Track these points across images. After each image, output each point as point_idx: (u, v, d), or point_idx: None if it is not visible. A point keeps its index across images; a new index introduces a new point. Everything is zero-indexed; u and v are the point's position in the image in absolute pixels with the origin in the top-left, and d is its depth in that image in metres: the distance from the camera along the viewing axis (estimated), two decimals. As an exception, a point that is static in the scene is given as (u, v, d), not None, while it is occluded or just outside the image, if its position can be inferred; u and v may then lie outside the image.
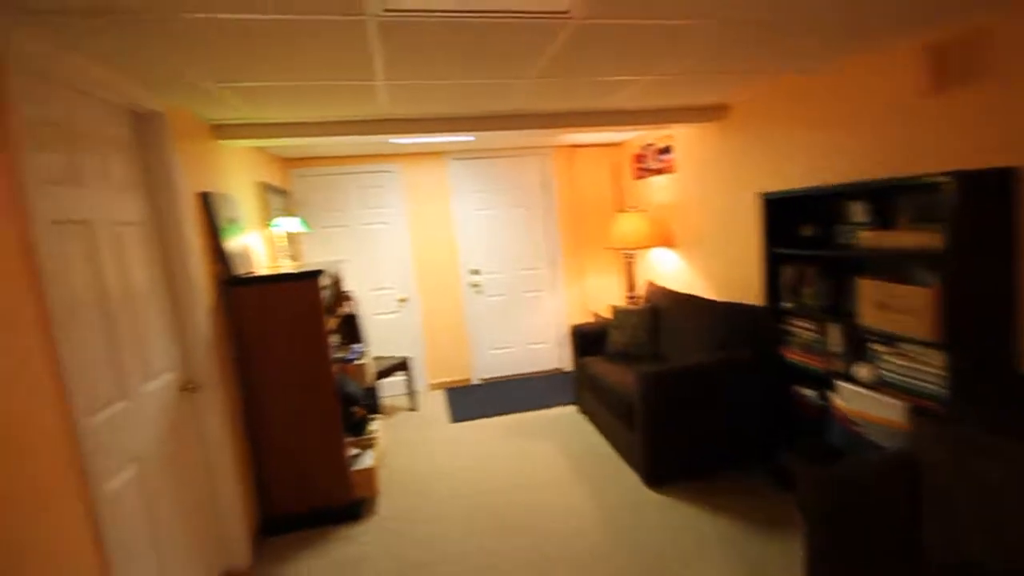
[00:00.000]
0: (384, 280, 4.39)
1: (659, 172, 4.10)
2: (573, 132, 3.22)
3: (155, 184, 2.06)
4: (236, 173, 2.91)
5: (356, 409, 2.84)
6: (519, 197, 4.58)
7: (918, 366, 1.94)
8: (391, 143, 3.64)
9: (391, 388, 4.48)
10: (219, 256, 2.42)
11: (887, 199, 2.16)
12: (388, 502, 2.79)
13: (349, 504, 2.64)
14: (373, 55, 1.77)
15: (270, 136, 2.72)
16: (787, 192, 2.44)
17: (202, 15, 1.34)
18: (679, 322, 3.28)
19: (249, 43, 1.57)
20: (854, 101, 2.33)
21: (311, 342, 2.53)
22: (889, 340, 2.06)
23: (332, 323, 2.84)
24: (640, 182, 4.43)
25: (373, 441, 3.01)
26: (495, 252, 4.58)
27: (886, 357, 2.07)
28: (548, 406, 3.98)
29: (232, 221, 2.61)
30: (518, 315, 4.70)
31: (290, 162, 4.14)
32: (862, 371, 2.18)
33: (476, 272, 4.56)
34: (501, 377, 4.73)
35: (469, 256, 4.53)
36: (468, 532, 2.46)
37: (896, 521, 1.56)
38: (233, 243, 2.55)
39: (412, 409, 4.12)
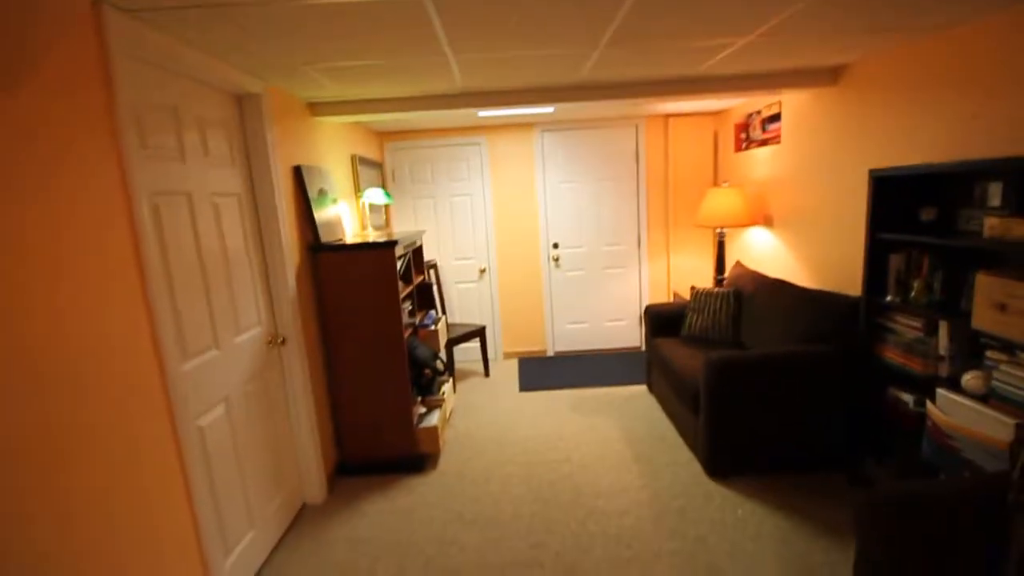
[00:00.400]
0: (466, 250, 4.55)
1: (763, 143, 3.71)
2: (661, 101, 3.02)
3: (252, 159, 2.32)
4: (330, 147, 3.16)
5: (425, 371, 3.03)
6: (607, 169, 4.43)
7: (1041, 382, 1.61)
8: (480, 116, 3.71)
9: (466, 354, 4.69)
10: (308, 224, 2.68)
11: (1027, 178, 1.77)
12: (449, 459, 2.97)
13: (413, 457, 2.87)
14: (436, 31, 1.81)
15: (359, 112, 2.91)
16: (903, 169, 2.10)
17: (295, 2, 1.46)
18: (764, 309, 3.02)
19: (331, 26, 1.69)
20: (997, 62, 1.91)
21: (384, 306, 2.73)
22: (1008, 347, 1.73)
23: (406, 290, 3.03)
24: (740, 155, 4.05)
25: (441, 402, 3.21)
26: (577, 226, 4.51)
27: (1003, 367, 1.75)
28: (619, 384, 3.91)
29: (323, 192, 2.86)
30: (597, 291, 4.62)
31: (386, 135, 4.38)
32: (970, 380, 1.87)
33: (556, 246, 4.54)
34: (577, 351, 4.73)
35: (551, 229, 4.52)
36: (517, 497, 2.56)
37: (974, 560, 1.35)
38: (323, 212, 2.81)
39: (485, 375, 4.28)
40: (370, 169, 3.97)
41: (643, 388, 3.83)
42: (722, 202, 3.71)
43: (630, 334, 4.70)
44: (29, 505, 1.12)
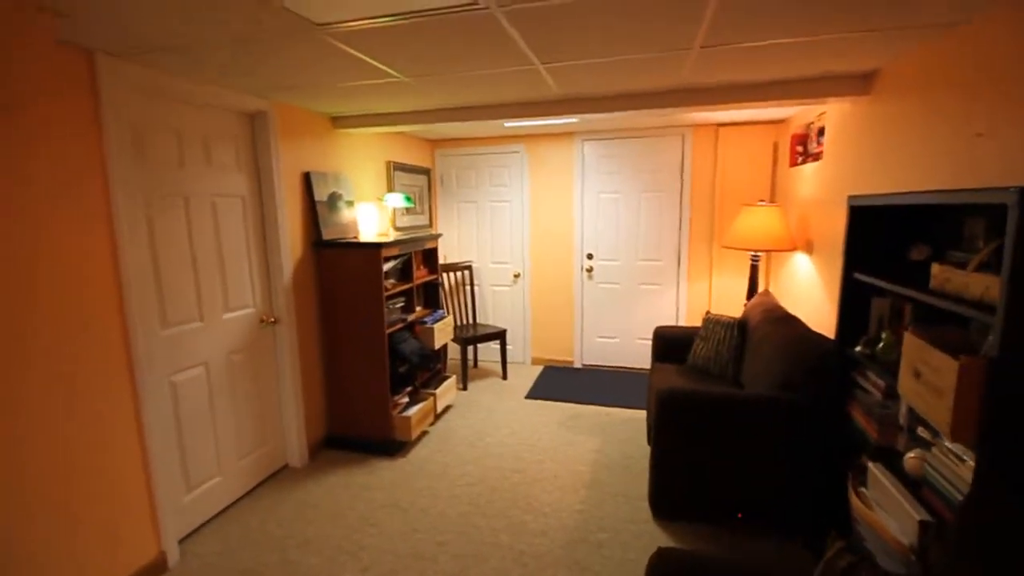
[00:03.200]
0: (503, 255, 4.69)
1: (815, 158, 3.27)
2: (706, 110, 2.78)
3: (260, 166, 2.75)
4: (355, 155, 3.54)
5: (403, 366, 3.26)
6: (649, 181, 4.23)
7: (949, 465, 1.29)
8: (506, 127, 3.83)
9: (492, 354, 4.83)
10: (312, 223, 3.07)
11: None
12: (421, 450, 3.17)
13: (388, 442, 3.12)
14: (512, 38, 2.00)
15: (378, 124, 3.21)
16: (880, 198, 1.76)
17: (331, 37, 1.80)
18: (761, 345, 2.69)
19: (303, 57, 1.99)
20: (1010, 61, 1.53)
21: (370, 301, 3.01)
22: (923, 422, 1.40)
23: (402, 287, 3.28)
24: (794, 170, 3.60)
25: (429, 396, 3.41)
26: (614, 238, 4.38)
27: (933, 448, 1.42)
28: (625, 406, 3.75)
29: (336, 195, 3.24)
30: (630, 306, 4.43)
31: (436, 143, 4.71)
32: (910, 459, 1.53)
33: (591, 256, 4.46)
34: (603, 366, 4.59)
35: (586, 239, 4.45)
36: (456, 496, 2.66)
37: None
38: (333, 214, 3.18)
39: (503, 377, 4.39)
40: (413, 174, 4.31)
41: (643, 414, 3.62)
42: (757, 222, 3.34)
43: (665, 356, 4.43)
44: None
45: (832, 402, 2.04)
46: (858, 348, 1.92)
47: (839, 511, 2.00)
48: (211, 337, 2.50)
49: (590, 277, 4.49)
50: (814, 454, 2.16)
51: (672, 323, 4.35)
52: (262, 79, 2.30)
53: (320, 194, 3.10)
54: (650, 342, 4.44)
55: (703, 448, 2.29)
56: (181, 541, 2.34)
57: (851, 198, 1.91)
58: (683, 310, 4.29)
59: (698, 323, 4.26)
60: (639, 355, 4.48)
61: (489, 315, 4.82)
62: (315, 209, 3.05)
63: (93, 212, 1.88)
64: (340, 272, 3.04)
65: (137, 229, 2.06)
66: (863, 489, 1.65)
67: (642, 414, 3.63)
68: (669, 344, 3.40)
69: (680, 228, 4.21)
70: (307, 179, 3.04)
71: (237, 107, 2.55)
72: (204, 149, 2.45)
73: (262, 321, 2.82)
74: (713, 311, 4.21)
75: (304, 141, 3.01)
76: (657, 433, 2.37)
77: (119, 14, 1.53)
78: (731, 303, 4.14)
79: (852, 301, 1.98)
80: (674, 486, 2.39)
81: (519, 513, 2.51)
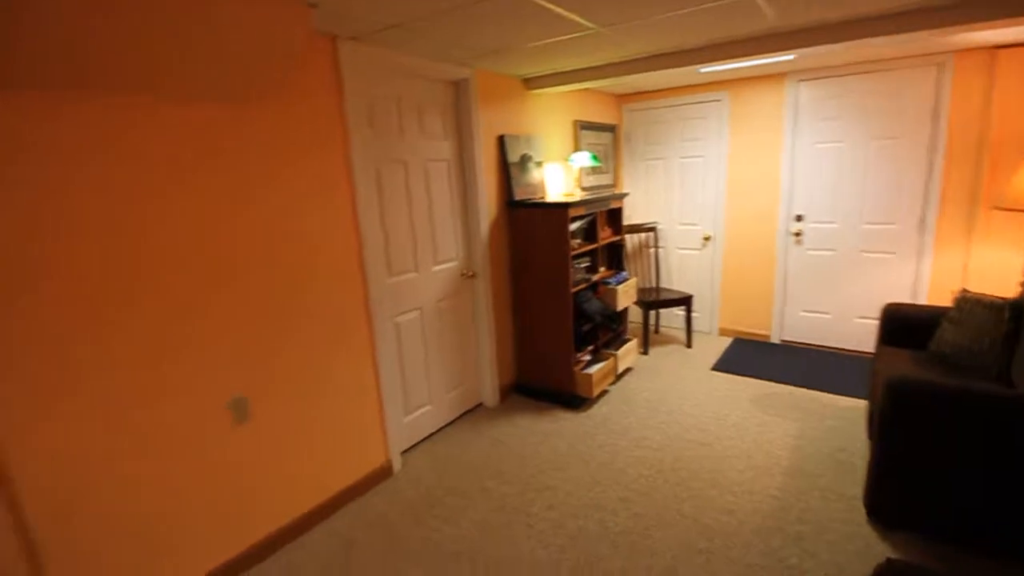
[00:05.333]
0: (692, 216, 4.36)
1: None
2: (1006, 25, 2.14)
3: (461, 132, 2.98)
4: (544, 116, 3.59)
5: (587, 325, 3.30)
6: (884, 126, 3.47)
7: None
8: (701, 72, 3.49)
9: (677, 321, 4.60)
10: (506, 184, 3.24)
11: None
12: (601, 407, 3.23)
13: (570, 395, 3.24)
14: None
15: (569, 82, 3.21)
16: None
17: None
18: (1054, 335, 2.07)
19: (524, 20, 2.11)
20: None
21: (557, 259, 3.10)
22: None
23: (586, 247, 3.30)
24: None
25: (611, 356, 3.43)
26: (831, 197, 3.74)
27: None
28: (834, 392, 3.26)
29: (526, 157, 3.36)
30: (849, 278, 3.78)
31: (623, 98, 4.52)
32: None
33: (800, 218, 3.88)
34: (807, 344, 4.04)
35: (794, 198, 3.88)
36: (637, 457, 2.66)
37: None
38: (524, 174, 3.32)
39: (687, 346, 4.17)
40: (599, 132, 4.23)
41: (862, 403, 3.10)
42: (1059, 174, 2.51)
43: (891, 338, 3.71)
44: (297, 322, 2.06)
45: None
46: None
47: None
48: (424, 286, 2.86)
49: (797, 242, 3.93)
50: None
51: (906, 300, 3.60)
52: (466, 48, 2.45)
53: (512, 156, 3.24)
54: (874, 321, 3.75)
55: (949, 453, 1.88)
56: (402, 453, 2.80)
57: None
58: (923, 286, 3.51)
59: (944, 303, 3.45)
60: (856, 335, 3.83)
61: (673, 279, 4.59)
62: (508, 171, 3.21)
63: (338, 179, 2.26)
64: (530, 231, 3.18)
65: (370, 190, 2.42)
66: None
67: (856, 403, 3.13)
68: (903, 326, 2.83)
69: (928, 185, 3.39)
70: (501, 142, 3.19)
71: (444, 76, 2.77)
72: (418, 117, 2.73)
73: (462, 275, 3.12)
74: (971, 290, 3.36)
75: (499, 105, 3.16)
76: (885, 428, 2.02)
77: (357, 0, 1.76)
78: (998, 281, 3.24)
79: None
80: (902, 490, 2.02)
81: (704, 487, 2.41)
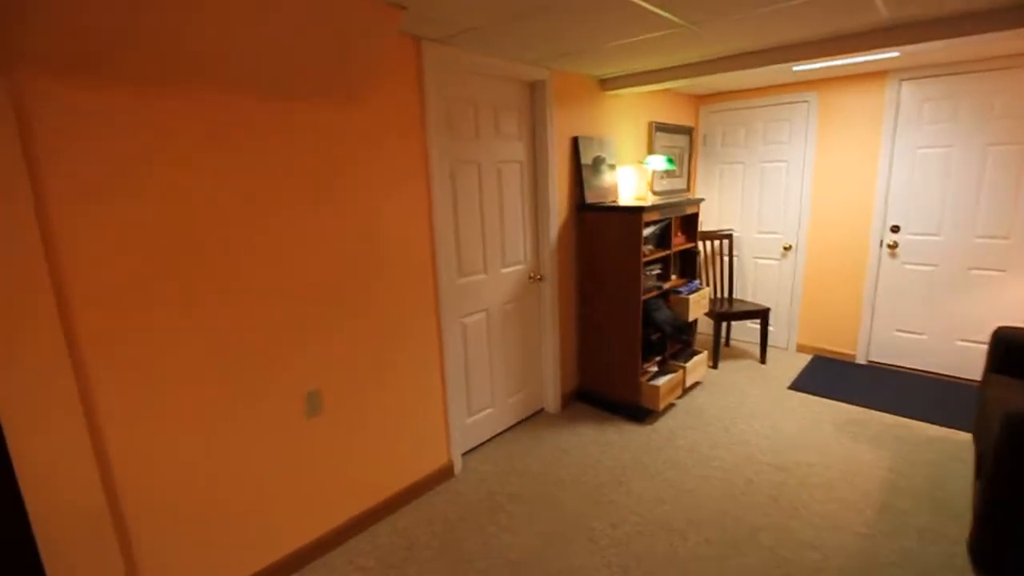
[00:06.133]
0: (772, 224, 4.11)
1: None
2: None
3: (536, 133, 2.94)
4: (618, 117, 3.49)
5: (656, 335, 3.17)
6: (1002, 130, 3.10)
7: None
8: (796, 71, 3.26)
9: (750, 335, 4.35)
10: (578, 186, 3.17)
11: None
12: (668, 422, 3.09)
13: (635, 407, 3.13)
14: None
15: (647, 83, 3.10)
16: None
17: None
18: None
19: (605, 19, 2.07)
20: None
21: (628, 266, 3.00)
22: None
23: (658, 254, 3.18)
24: None
25: (679, 368, 3.29)
26: (936, 206, 3.39)
27: None
28: (933, 421, 2.96)
29: (599, 159, 3.28)
30: (951, 296, 3.42)
31: (702, 99, 4.32)
32: None
33: (896, 229, 3.56)
34: (899, 366, 3.69)
35: (890, 207, 3.56)
36: (706, 477, 2.53)
37: None
38: (597, 177, 3.24)
39: (761, 361, 3.93)
40: (674, 134, 4.07)
41: (966, 436, 2.79)
42: None
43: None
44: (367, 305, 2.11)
45: None
46: None
47: None
48: (491, 288, 2.85)
49: (892, 255, 3.61)
50: None
51: (1017, 324, 3.21)
52: (545, 49, 2.41)
53: (586, 158, 3.17)
54: (977, 345, 3.38)
55: (1088, 505, 1.64)
56: (463, 455, 2.81)
57: None
58: (1044, 308, 3.12)
59: (1071, 328, 3.04)
60: (959, 360, 3.46)
61: (748, 291, 4.34)
62: (580, 173, 3.14)
63: (416, 179, 2.28)
64: (600, 235, 3.10)
65: (445, 191, 2.43)
66: None
67: (956, 434, 2.82)
68: (1016, 353, 2.51)
69: (1056, 194, 3.00)
70: (575, 143, 3.13)
71: (521, 77, 2.74)
72: (494, 118, 2.72)
73: (530, 278, 3.08)
74: (1105, 314, 2.94)
75: (574, 106, 3.09)
76: (1000, 468, 1.79)
77: (446, 3, 1.75)
78: None
79: None
80: (1015, 539, 1.79)
81: (782, 517, 2.24)
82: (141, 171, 1.52)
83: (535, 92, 2.89)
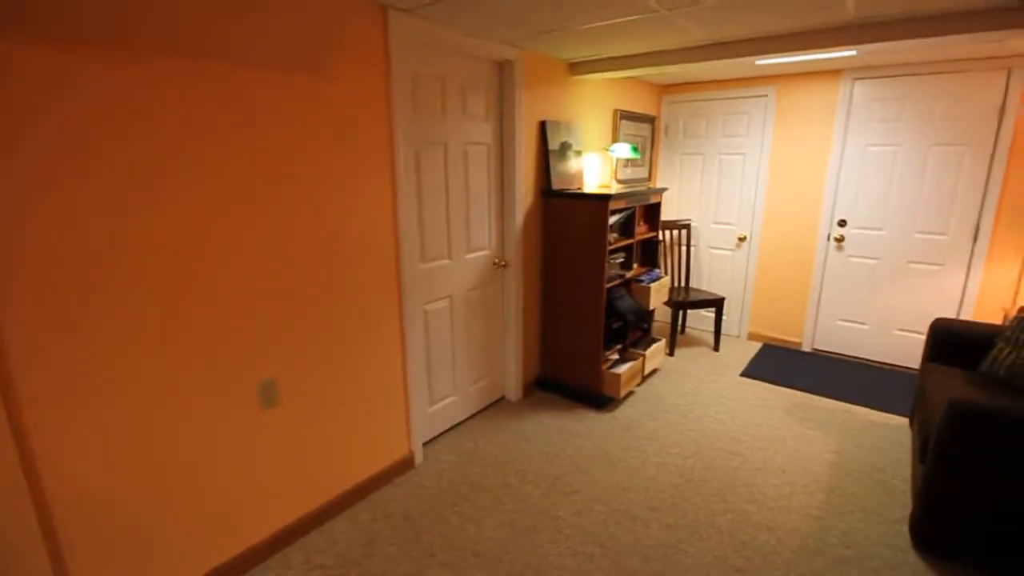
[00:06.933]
0: (728, 215, 4.21)
1: None
2: None
3: (503, 115, 2.85)
4: (586, 103, 3.45)
5: (617, 323, 3.19)
6: (945, 131, 3.29)
7: None
8: (758, 65, 3.31)
9: (703, 323, 4.47)
10: (544, 172, 3.12)
11: None
12: (627, 409, 3.13)
13: (596, 395, 3.15)
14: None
15: (618, 68, 3.05)
16: None
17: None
18: None
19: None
20: None
21: (593, 253, 2.98)
22: None
23: (622, 243, 3.18)
24: None
25: (639, 356, 3.32)
26: (880, 202, 3.57)
27: None
28: (874, 407, 3.14)
29: (566, 145, 3.23)
30: (892, 289, 3.62)
31: (664, 89, 4.34)
32: None
33: (843, 223, 3.72)
34: (841, 354, 3.90)
35: (839, 202, 3.72)
36: (665, 463, 2.57)
37: None
38: (562, 163, 3.19)
39: (714, 349, 4.05)
40: (638, 123, 4.08)
41: (901, 421, 2.98)
42: None
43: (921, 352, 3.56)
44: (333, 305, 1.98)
45: None
46: None
47: None
48: (455, 274, 2.76)
49: (839, 248, 3.78)
50: None
51: (951, 315, 3.45)
52: (517, 27, 2.31)
53: (553, 143, 3.11)
54: (915, 335, 3.60)
55: (1014, 484, 1.77)
56: (424, 445, 2.73)
57: None
58: (970, 301, 3.35)
59: (992, 319, 3.29)
60: (897, 349, 3.69)
61: (704, 280, 4.45)
62: (547, 158, 3.08)
63: (380, 158, 2.15)
64: (566, 222, 3.06)
65: (409, 172, 2.31)
66: None
67: (894, 419, 3.00)
68: (952, 343, 2.69)
69: (985, 193, 3.21)
70: (543, 128, 3.06)
71: (490, 56, 2.64)
72: (461, 98, 2.61)
73: (494, 264, 3.01)
74: None
75: (542, 89, 3.02)
76: (941, 452, 1.90)
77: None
78: (1058, 300, 3.09)
79: None
80: (955, 519, 1.91)
81: (739, 501, 2.31)
82: (77, 146, 1.33)
83: (504, 72, 2.79)
